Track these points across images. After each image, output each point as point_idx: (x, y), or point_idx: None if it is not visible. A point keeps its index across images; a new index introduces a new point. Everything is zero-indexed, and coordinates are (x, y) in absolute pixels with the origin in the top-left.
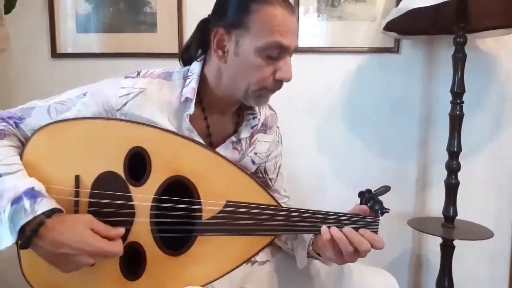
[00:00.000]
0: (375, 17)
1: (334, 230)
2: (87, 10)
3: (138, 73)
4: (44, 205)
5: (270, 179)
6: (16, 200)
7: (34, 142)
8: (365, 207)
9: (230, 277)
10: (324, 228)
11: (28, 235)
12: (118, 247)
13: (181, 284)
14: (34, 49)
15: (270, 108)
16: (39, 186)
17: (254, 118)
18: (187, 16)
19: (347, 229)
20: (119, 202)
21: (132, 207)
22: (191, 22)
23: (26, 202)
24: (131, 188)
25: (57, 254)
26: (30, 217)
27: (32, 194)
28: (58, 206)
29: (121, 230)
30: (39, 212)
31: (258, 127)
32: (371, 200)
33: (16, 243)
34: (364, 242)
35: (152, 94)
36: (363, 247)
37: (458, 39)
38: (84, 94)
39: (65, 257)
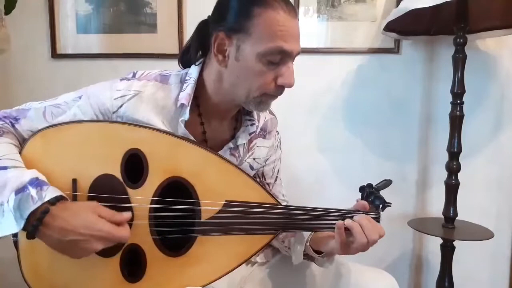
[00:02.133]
0: (375, 17)
1: (349, 221)
2: (87, 11)
3: (134, 75)
4: (51, 192)
5: (268, 183)
6: (21, 189)
7: (29, 147)
8: (365, 203)
9: (230, 278)
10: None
11: (34, 224)
12: (125, 231)
13: (181, 285)
14: (34, 50)
15: (270, 112)
16: (42, 177)
17: (252, 124)
18: (187, 17)
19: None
20: (117, 204)
21: (130, 209)
22: (191, 23)
23: (32, 190)
24: (129, 190)
25: (66, 242)
26: (39, 204)
27: (37, 183)
28: (62, 194)
29: (128, 215)
30: (47, 198)
31: (257, 133)
32: (372, 195)
33: (13, 240)
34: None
35: (147, 97)
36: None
37: (458, 40)
38: (80, 97)
39: (74, 244)
